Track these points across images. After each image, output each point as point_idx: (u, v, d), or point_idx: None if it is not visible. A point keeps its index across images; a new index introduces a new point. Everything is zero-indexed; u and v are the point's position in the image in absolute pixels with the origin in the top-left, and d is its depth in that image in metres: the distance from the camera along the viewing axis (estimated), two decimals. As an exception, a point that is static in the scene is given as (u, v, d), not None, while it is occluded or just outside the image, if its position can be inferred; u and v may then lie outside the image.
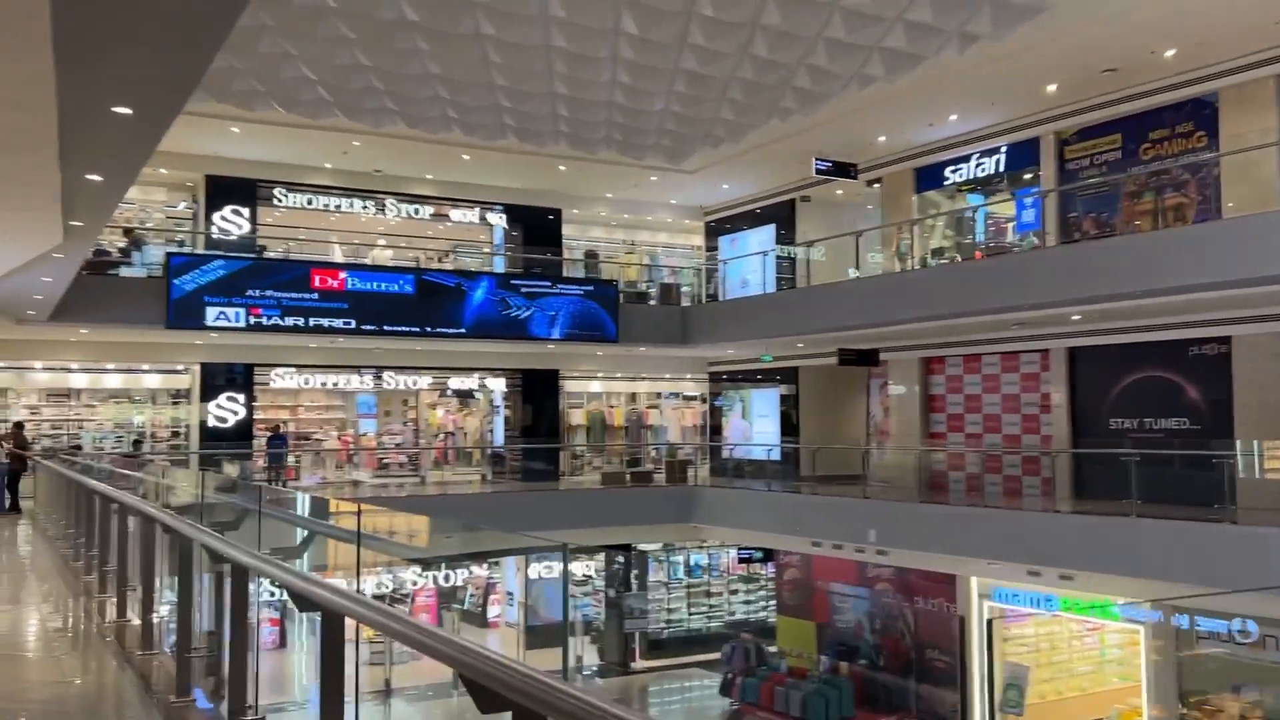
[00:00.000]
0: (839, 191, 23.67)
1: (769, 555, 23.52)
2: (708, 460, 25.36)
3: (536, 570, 22.98)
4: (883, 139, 20.79)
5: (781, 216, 24.82)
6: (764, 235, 25.22)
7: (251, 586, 4.80)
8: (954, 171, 21.05)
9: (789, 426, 24.77)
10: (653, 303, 24.80)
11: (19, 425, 19.57)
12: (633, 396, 27.51)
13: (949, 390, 21.14)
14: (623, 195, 25.32)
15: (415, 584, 23.67)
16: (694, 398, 28.08)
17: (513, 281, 22.50)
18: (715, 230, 27.00)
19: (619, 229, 27.11)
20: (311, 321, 20.01)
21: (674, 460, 23.41)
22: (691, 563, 24.06)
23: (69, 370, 22.53)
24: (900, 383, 22.09)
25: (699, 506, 21.62)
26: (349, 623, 3.25)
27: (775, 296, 23.07)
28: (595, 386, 27.12)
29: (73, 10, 4.45)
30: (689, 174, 23.37)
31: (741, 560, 23.97)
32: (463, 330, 21.52)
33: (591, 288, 23.19)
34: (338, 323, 20.29)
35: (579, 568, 23.53)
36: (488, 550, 21.67)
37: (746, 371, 26.31)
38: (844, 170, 21.60)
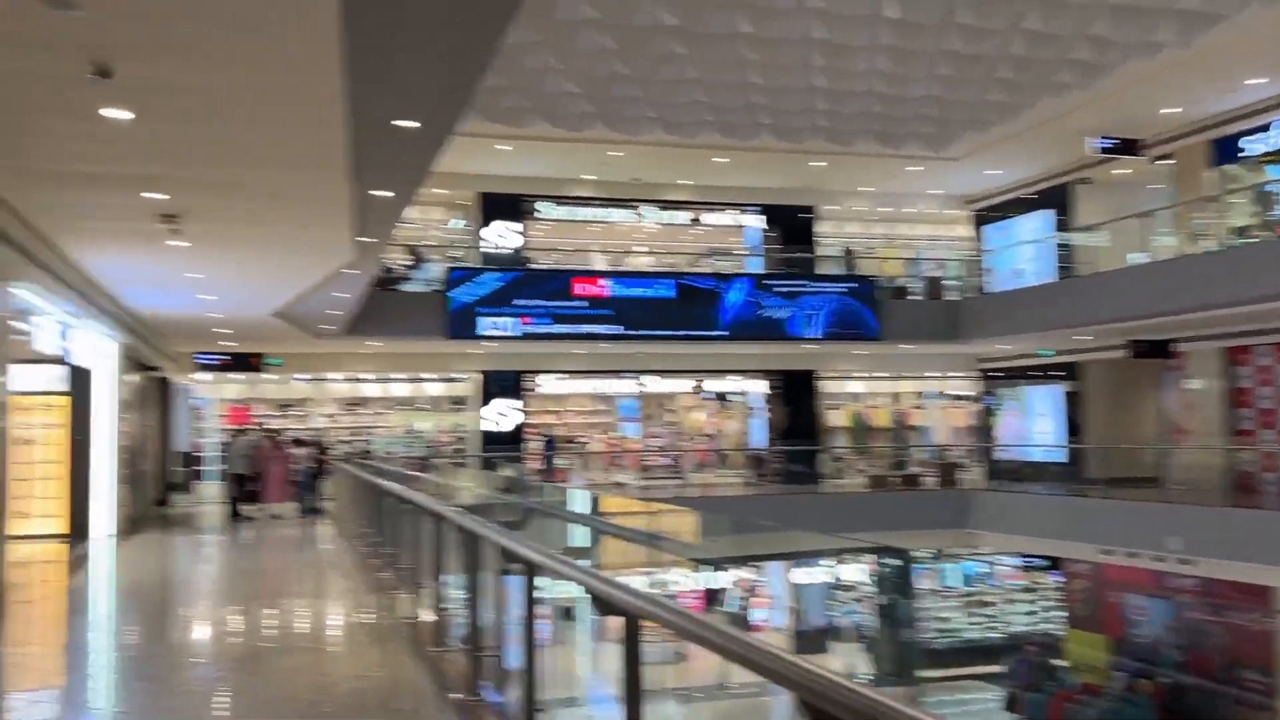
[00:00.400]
0: (1122, 171, 21.84)
1: (1053, 563, 22.03)
2: (980, 463, 24.08)
3: (803, 574, 22.57)
4: (1170, 111, 18.98)
5: (1057, 201, 23.21)
6: (1037, 222, 23.69)
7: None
8: (1255, 141, 18.92)
9: (1072, 426, 23.11)
10: (916, 298, 23.82)
11: (310, 435, 21.26)
12: (895, 396, 26.55)
13: (1259, 383, 19.00)
14: (880, 188, 24.52)
15: (680, 584, 23.82)
16: (961, 397, 26.77)
17: (768, 282, 22.29)
18: (981, 220, 25.65)
19: (876, 224, 26.27)
20: (580, 328, 20.64)
21: (945, 463, 22.38)
22: (966, 570, 22.89)
23: (361, 380, 24.31)
24: (1200, 376, 20.09)
25: (974, 511, 20.51)
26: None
27: (1055, 286, 21.58)
28: (855, 387, 26.39)
29: (360, 25, 4.61)
30: (952, 161, 22.29)
31: (1023, 568, 22.57)
32: (721, 332, 21.53)
33: (851, 285, 22.60)
34: (603, 329, 20.81)
35: (847, 572, 22.90)
36: (798, 551, 21.53)
37: (1023, 368, 24.79)
38: (1127, 147, 19.93)
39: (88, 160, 6.85)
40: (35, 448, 14.53)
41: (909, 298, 23.79)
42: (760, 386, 25.46)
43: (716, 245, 24.97)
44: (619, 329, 20.93)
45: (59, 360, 13.23)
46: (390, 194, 8.19)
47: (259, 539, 15.91)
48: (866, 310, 22.19)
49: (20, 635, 8.42)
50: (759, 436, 25.67)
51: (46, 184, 7.40)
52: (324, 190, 7.79)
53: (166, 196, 7.82)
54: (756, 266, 24.30)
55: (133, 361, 17.44)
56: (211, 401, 24.07)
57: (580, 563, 4.16)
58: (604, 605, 3.29)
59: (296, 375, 23.83)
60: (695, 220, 24.43)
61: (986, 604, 22.99)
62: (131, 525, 16.78)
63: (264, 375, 22.84)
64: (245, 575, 12.04)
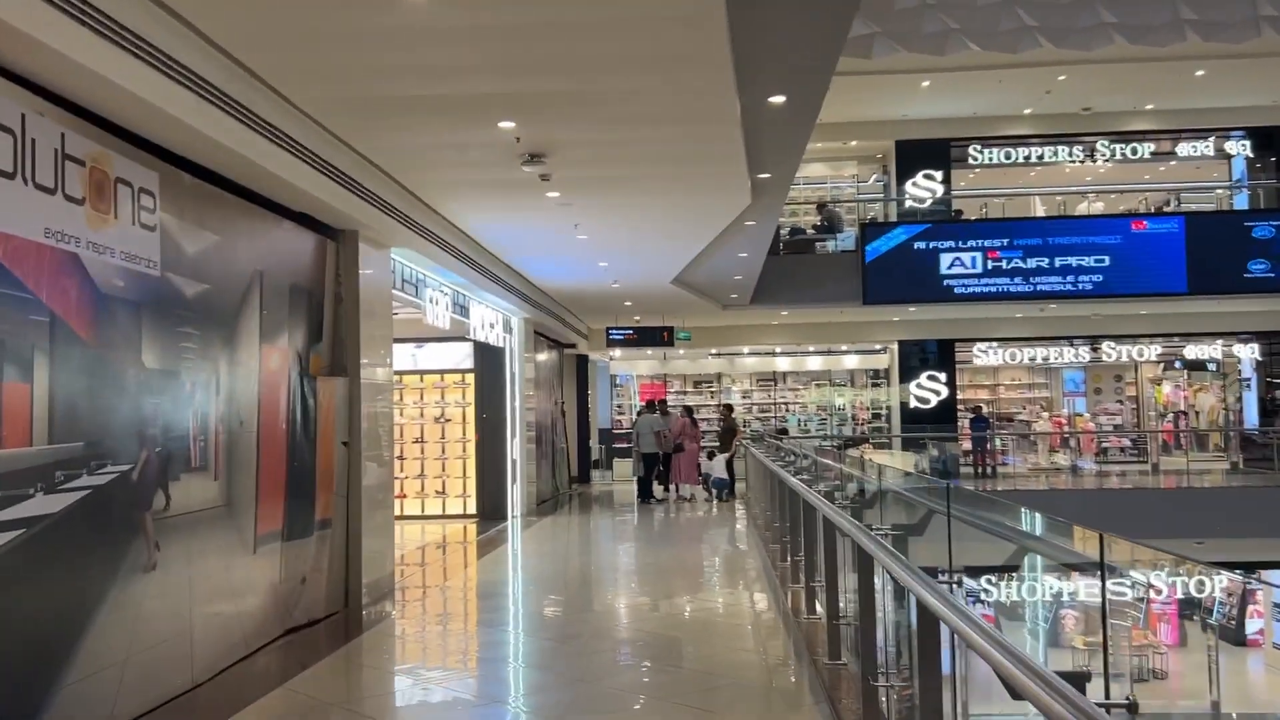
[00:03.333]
0: None
1: None
2: None
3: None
4: None
5: None
6: None
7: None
8: None
9: None
10: None
11: (728, 408, 20.06)
12: None
13: None
14: None
15: (1150, 587, 20.00)
16: None
17: (1257, 223, 17.72)
18: None
19: None
20: (1018, 285, 17.65)
21: None
22: None
23: (773, 354, 22.92)
24: None
25: None
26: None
27: None
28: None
29: None
30: None
31: None
32: (1189, 288, 17.43)
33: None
34: (1049, 284, 17.65)
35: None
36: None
37: None
38: None
39: (422, 75, 5.61)
40: (451, 426, 14.44)
41: None
42: (1254, 351, 20.72)
43: (1186, 183, 20.63)
44: (1065, 285, 17.62)
45: (463, 337, 12.82)
46: (784, 99, 6.27)
47: (664, 523, 14.87)
48: None
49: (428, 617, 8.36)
50: (1254, 413, 20.98)
51: (383, 112, 6.28)
52: (708, 100, 6.06)
53: (514, 124, 6.46)
54: (1244, 203, 19.70)
55: (543, 337, 17.12)
56: (631, 377, 23.85)
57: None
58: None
59: (709, 350, 22.93)
60: (1161, 154, 20.23)
61: None
62: (544, 504, 16.48)
63: (677, 351, 22.11)
64: (636, 568, 10.82)
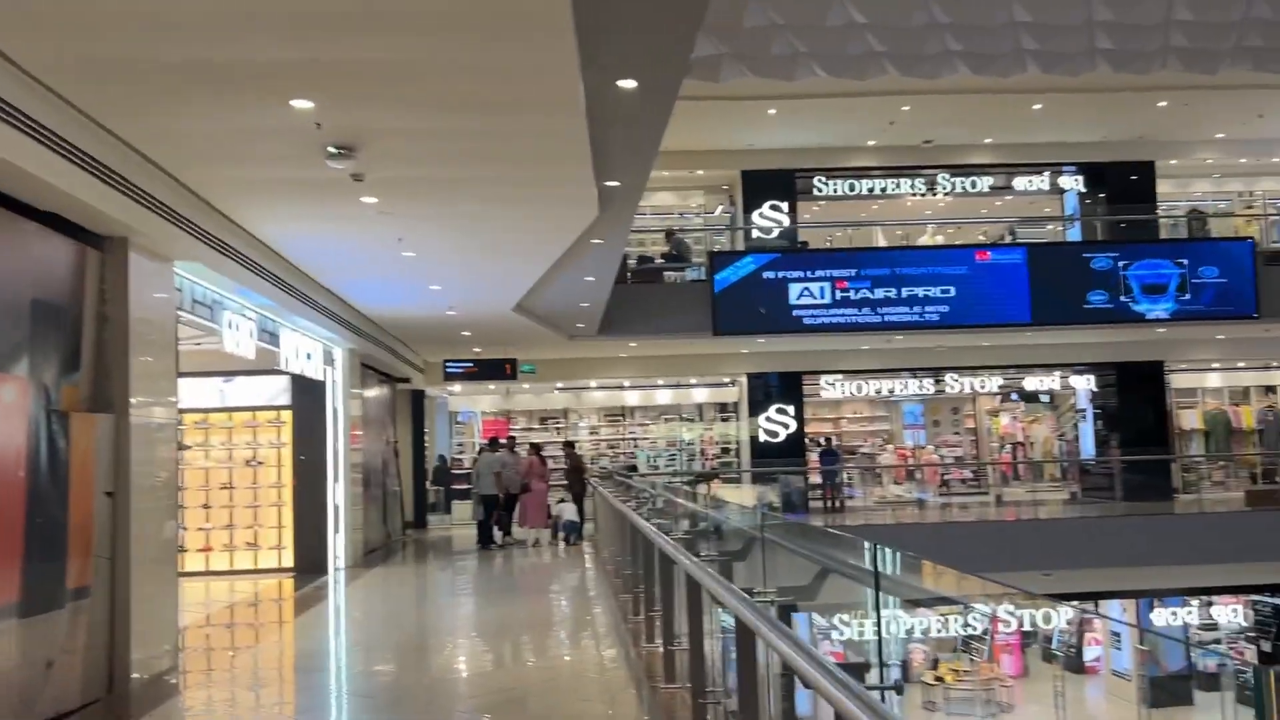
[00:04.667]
0: None
1: None
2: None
3: (1160, 615, 18.24)
4: None
5: None
6: None
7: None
8: None
9: None
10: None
11: (569, 445, 19.09)
12: (1268, 390, 21.45)
13: None
14: (1238, 134, 19.64)
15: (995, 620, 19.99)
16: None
17: (1095, 254, 18.01)
18: (1374, 164, 20.20)
19: (1231, 179, 21.35)
20: (865, 317, 17.36)
21: (1352, 472, 17.42)
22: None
23: (622, 388, 22.11)
24: None
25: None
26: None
27: None
28: (1213, 380, 21.53)
29: None
30: (1348, 86, 17.31)
31: None
32: (1032, 319, 17.52)
33: (1212, 250, 17.99)
34: (895, 316, 17.43)
35: (1221, 613, 18.31)
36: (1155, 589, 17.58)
37: None
38: None
39: (188, 33, 4.48)
40: (264, 469, 12.95)
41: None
42: (1089, 383, 21.11)
43: (1023, 218, 21.00)
44: (912, 316, 17.45)
45: (273, 369, 11.44)
46: (635, 85, 5.40)
47: (505, 572, 13.73)
48: (1238, 281, 17.53)
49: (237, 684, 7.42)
50: (1088, 443, 21.35)
51: (143, 85, 5.09)
52: (548, 80, 5.12)
53: (313, 104, 5.37)
54: (1076, 236, 20.11)
55: (372, 370, 15.78)
56: (474, 414, 22.60)
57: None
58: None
59: (555, 384, 21.92)
60: (999, 188, 20.47)
61: None
62: (373, 553, 15.08)
63: (522, 385, 21.01)
64: (474, 623, 9.70)
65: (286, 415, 12.76)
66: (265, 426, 12.87)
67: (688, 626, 5.13)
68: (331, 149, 6.05)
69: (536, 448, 17.39)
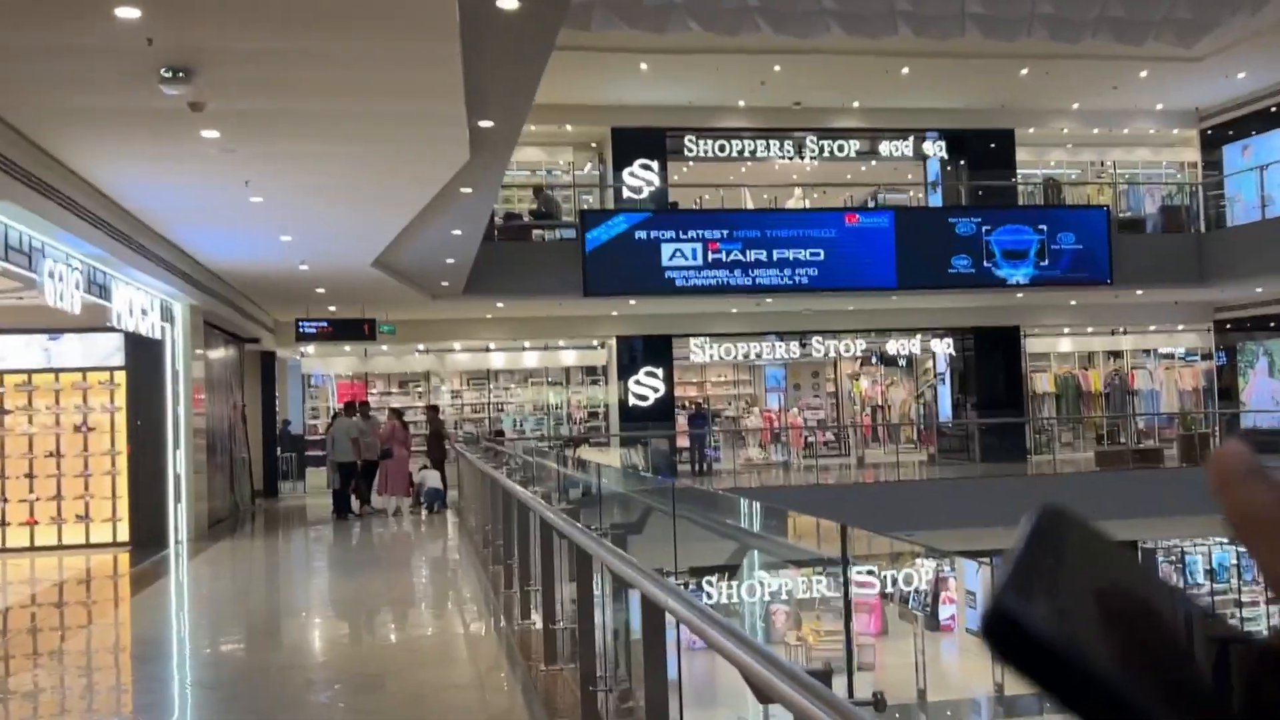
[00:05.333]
0: None
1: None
2: (1222, 432, 19.81)
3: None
4: None
5: (1325, 107, 18.63)
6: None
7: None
8: None
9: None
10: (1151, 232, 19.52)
11: (433, 409, 18.39)
12: (1114, 355, 22.31)
13: None
14: (1093, 105, 20.20)
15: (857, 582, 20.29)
16: (1189, 355, 22.38)
17: (960, 219, 18.28)
18: (1215, 139, 21.08)
19: (1085, 149, 22.00)
20: (737, 279, 17.17)
21: (1191, 434, 18.22)
22: (1218, 562, 18.68)
23: (487, 350, 21.43)
24: None
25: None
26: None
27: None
28: (1064, 345, 22.26)
29: None
30: (1194, 62, 17.93)
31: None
32: (898, 283, 17.66)
33: (1070, 217, 18.48)
34: (767, 278, 17.31)
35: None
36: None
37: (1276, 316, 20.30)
38: None
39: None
40: (96, 435, 11.88)
41: (1144, 232, 19.50)
42: (948, 346, 21.52)
43: (888, 184, 21.19)
44: (782, 279, 17.37)
45: (105, 326, 10.41)
46: (516, 4, 4.85)
47: (364, 543, 13.04)
48: (1094, 248, 18.04)
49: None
50: (945, 406, 21.82)
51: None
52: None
53: (139, 11, 4.63)
54: (937, 202, 20.40)
55: (217, 330, 14.73)
56: (328, 377, 21.54)
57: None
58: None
59: (417, 346, 21.07)
60: (865, 152, 20.54)
61: (1243, 604, 18.75)
62: (220, 524, 14.14)
63: (381, 347, 20.09)
64: (330, 599, 9.06)
65: (120, 377, 11.66)
66: (97, 389, 11.75)
67: (574, 604, 4.73)
68: (165, 71, 5.30)
69: (398, 412, 16.60)
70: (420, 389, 21.51)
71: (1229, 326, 21.58)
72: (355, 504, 15.36)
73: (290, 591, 10.04)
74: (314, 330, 16.73)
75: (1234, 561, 18.83)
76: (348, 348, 19.84)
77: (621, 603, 4.60)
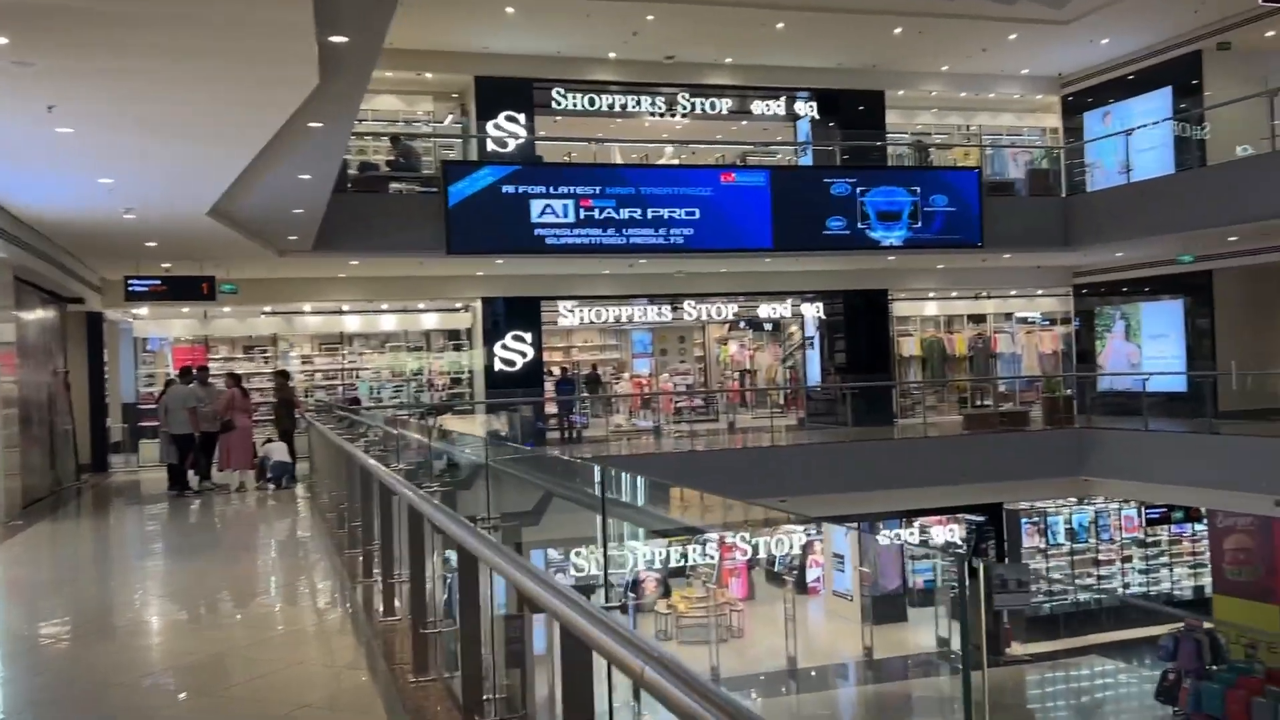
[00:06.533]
0: (1271, 34, 17.71)
1: (1188, 515, 18.40)
2: (1080, 395, 20.27)
3: (882, 538, 18.80)
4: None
5: (1178, 77, 19.02)
6: (1154, 103, 19.50)
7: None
8: None
9: (1199, 349, 19.22)
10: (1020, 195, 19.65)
11: (283, 375, 17.09)
12: (978, 319, 22.55)
13: None
14: (962, 68, 20.23)
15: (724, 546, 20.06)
16: (1044, 319, 22.85)
17: (835, 179, 17.96)
18: (1076, 106, 21.43)
19: (952, 112, 22.07)
20: (609, 238, 16.43)
21: (1055, 397, 18.48)
22: (1078, 521, 19.10)
23: (341, 313, 20.10)
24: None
25: (1092, 455, 16.86)
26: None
27: (1193, 177, 17.48)
28: (930, 309, 22.37)
29: None
30: (1061, 25, 18.07)
31: (1153, 521, 18.89)
32: (773, 244, 17.25)
33: (943, 178, 18.38)
34: (639, 238, 16.62)
35: (939, 532, 19.11)
36: (877, 513, 17.77)
37: (1135, 281, 20.79)
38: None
39: None
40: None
41: (1012, 194, 19.61)
42: (818, 310, 21.34)
43: (760, 144, 20.76)
44: (656, 239, 16.73)
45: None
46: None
47: (204, 521, 11.83)
48: (964, 211, 17.99)
49: None
50: (814, 370, 21.67)
51: None
52: None
53: None
54: (809, 161, 20.09)
55: (32, 287, 13.13)
56: (164, 341, 19.82)
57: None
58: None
59: (263, 308, 19.57)
60: (737, 111, 20.02)
61: (1100, 563, 19.26)
62: (38, 503, 12.67)
63: (222, 309, 18.53)
64: (164, 587, 7.99)
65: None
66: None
67: (409, 558, 4.54)
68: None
69: (236, 378, 15.23)
70: (267, 354, 20.04)
71: (1085, 291, 22.08)
72: (193, 479, 14.04)
73: (120, 577, 8.83)
74: (145, 289, 15.19)
75: (1092, 520, 19.33)
76: (185, 309, 18.23)
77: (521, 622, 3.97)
